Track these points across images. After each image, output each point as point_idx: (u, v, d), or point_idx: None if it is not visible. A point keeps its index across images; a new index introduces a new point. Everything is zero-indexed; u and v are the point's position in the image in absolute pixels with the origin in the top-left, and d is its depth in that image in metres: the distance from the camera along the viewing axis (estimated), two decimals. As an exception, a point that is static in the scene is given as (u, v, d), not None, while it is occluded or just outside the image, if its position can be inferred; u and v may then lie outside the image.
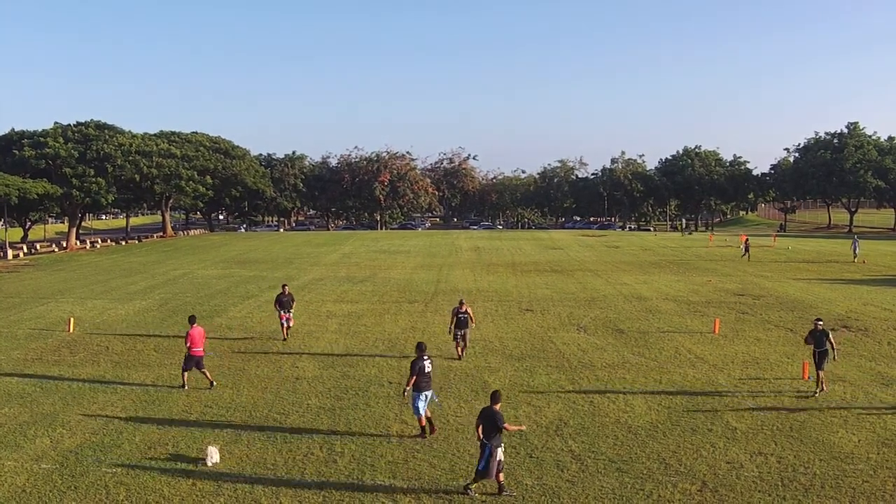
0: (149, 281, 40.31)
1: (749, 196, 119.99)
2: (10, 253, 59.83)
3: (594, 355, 20.87)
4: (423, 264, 49.24)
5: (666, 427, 14.48)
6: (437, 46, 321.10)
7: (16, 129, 74.24)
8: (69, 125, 75.44)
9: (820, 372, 16.26)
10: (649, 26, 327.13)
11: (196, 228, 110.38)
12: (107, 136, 72.86)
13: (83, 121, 76.49)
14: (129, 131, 77.41)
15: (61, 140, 70.56)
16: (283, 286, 23.96)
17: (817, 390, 16.25)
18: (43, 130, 73.50)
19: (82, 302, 32.18)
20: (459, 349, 20.85)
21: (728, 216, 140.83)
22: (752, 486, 11.69)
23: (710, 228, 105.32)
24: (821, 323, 16.77)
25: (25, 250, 65.60)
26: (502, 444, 11.28)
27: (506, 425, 11.26)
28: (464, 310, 20.69)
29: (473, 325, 21.33)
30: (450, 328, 21.00)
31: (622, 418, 15.05)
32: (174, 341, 22.69)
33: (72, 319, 25.61)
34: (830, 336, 16.42)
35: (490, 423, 11.13)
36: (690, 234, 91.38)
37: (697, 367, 19.33)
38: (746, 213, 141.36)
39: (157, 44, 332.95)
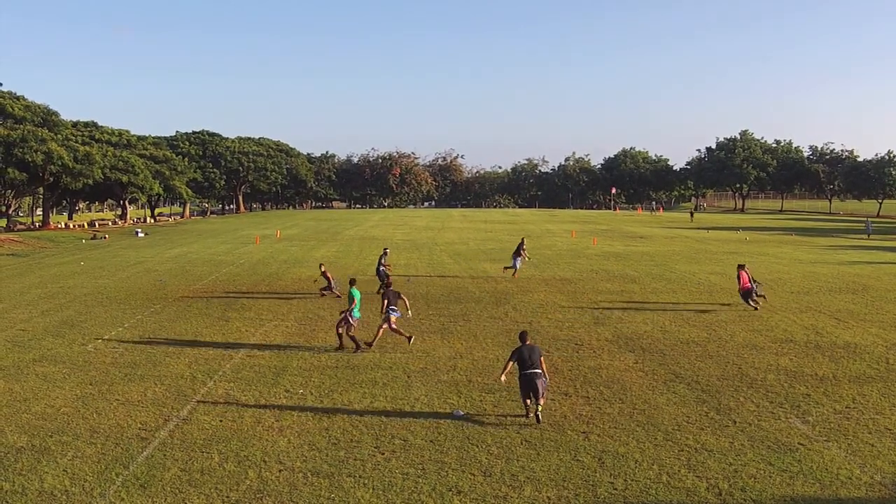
0: (282, 223, 77.15)
1: (674, 187, 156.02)
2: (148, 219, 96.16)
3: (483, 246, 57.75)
4: (430, 224, 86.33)
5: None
6: (437, 64, 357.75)
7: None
8: (188, 132, 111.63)
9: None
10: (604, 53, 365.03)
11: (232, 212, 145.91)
12: (217, 141, 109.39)
13: (197, 130, 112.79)
14: (229, 137, 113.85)
15: (187, 143, 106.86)
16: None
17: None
18: (170, 136, 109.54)
19: (256, 228, 68.94)
20: None
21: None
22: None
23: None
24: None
25: (153, 219, 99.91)
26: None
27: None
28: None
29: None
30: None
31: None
32: (321, 239, 59.49)
33: (257, 237, 62.21)
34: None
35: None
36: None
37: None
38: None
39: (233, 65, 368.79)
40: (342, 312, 18.66)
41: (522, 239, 35.53)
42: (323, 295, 25.82)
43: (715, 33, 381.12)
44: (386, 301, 18.66)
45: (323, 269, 26.33)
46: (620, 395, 14.69)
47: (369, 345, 18.39)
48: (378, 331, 18.65)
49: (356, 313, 18.24)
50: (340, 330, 18.25)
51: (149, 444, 11.98)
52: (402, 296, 19.35)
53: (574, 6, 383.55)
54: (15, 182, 62.46)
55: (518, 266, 32.54)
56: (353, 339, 18.13)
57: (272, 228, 67.74)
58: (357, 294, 18.39)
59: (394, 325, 18.63)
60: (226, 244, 51.46)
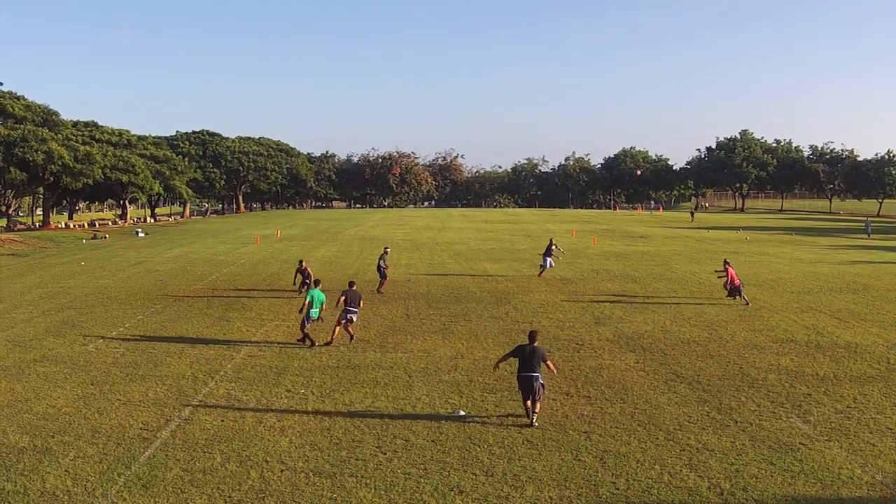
0: (283, 223, 77.15)
1: (674, 186, 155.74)
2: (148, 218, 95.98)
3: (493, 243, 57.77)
4: (430, 224, 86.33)
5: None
6: (438, 66, 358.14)
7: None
8: (188, 132, 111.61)
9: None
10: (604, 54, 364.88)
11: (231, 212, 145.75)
12: (217, 140, 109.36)
13: (197, 130, 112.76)
14: (229, 137, 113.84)
15: (187, 143, 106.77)
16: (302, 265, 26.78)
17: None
18: (170, 136, 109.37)
19: (256, 228, 68.94)
20: None
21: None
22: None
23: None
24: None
25: (153, 219, 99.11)
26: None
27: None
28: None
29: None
30: None
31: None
32: (321, 239, 59.51)
33: (258, 236, 62.17)
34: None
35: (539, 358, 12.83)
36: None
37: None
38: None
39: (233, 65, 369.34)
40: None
41: (551, 239, 35.53)
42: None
43: (715, 33, 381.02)
44: (343, 298, 18.90)
45: (304, 266, 26.41)
46: (622, 394, 14.70)
47: (328, 344, 18.68)
48: (334, 330, 18.85)
49: (313, 314, 18.60)
50: (305, 330, 18.74)
51: (151, 444, 11.98)
52: (362, 300, 19.68)
53: (574, 6, 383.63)
54: (15, 182, 62.48)
55: (550, 265, 32.95)
56: (305, 334, 18.70)
57: (272, 228, 67.73)
58: (315, 295, 18.72)
59: (347, 327, 18.90)
60: (226, 244, 51.48)
